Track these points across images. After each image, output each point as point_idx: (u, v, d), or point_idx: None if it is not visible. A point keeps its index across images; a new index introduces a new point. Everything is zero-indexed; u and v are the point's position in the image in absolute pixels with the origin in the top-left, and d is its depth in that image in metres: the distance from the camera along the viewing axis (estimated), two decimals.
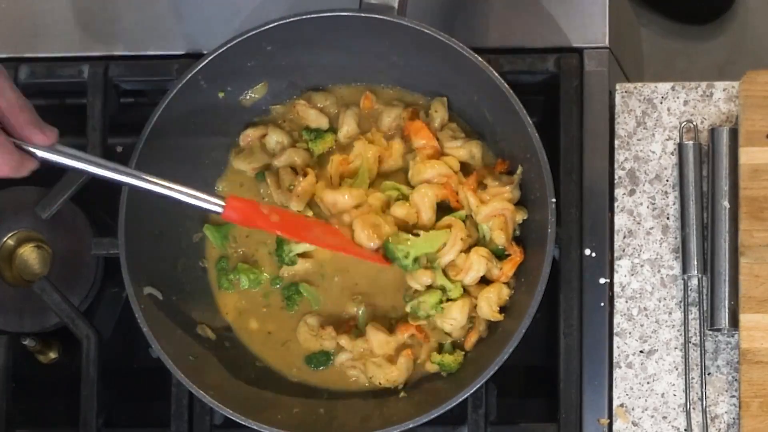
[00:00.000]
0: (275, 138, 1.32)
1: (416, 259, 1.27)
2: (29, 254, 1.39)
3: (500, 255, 1.28)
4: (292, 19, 1.24)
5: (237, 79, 1.30)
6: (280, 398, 1.29)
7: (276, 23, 1.24)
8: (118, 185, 1.19)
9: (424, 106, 1.33)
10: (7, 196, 1.38)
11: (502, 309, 1.27)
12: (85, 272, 1.36)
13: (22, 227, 1.37)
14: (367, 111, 1.33)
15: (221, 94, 1.30)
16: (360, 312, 1.30)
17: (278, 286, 1.32)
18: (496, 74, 1.23)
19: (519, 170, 1.28)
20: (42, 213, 1.33)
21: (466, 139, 1.31)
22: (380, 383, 1.28)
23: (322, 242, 1.28)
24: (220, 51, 1.25)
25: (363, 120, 1.33)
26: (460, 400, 1.21)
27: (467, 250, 1.27)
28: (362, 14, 1.24)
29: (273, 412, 1.26)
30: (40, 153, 1.13)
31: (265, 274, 1.32)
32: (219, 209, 1.20)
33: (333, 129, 1.33)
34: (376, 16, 1.24)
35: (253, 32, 1.24)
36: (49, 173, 1.34)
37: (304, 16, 1.24)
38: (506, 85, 1.23)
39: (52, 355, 1.40)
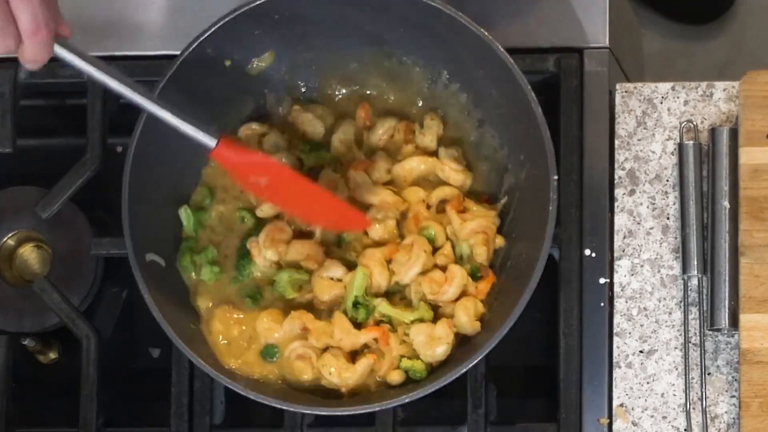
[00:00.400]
0: (274, 139, 1.31)
1: (357, 303, 1.26)
2: (29, 254, 1.39)
3: (474, 278, 1.28)
4: None
5: (244, 47, 1.29)
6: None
7: None
8: (117, 97, 1.16)
9: (418, 117, 1.32)
10: (7, 196, 1.38)
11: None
12: (85, 272, 1.36)
13: (22, 227, 1.38)
14: (362, 122, 1.32)
15: (227, 63, 1.29)
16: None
17: (241, 282, 1.30)
18: (500, 47, 1.23)
19: (504, 200, 1.29)
20: (42, 213, 1.33)
21: (465, 169, 1.30)
22: (328, 377, 1.25)
23: (310, 217, 1.26)
24: (228, 19, 1.24)
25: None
26: (455, 377, 1.20)
27: (443, 269, 1.27)
28: None
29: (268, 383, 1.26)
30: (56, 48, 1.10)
31: (227, 273, 1.30)
32: (211, 144, 1.18)
33: (327, 147, 1.32)
34: None
35: (261, 1, 1.24)
36: (49, 173, 1.35)
37: None
38: (508, 57, 1.23)
39: (52, 355, 1.40)
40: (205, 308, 1.29)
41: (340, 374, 1.25)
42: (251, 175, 1.23)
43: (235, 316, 1.29)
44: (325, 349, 1.26)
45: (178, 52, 1.38)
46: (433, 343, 1.25)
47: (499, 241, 1.28)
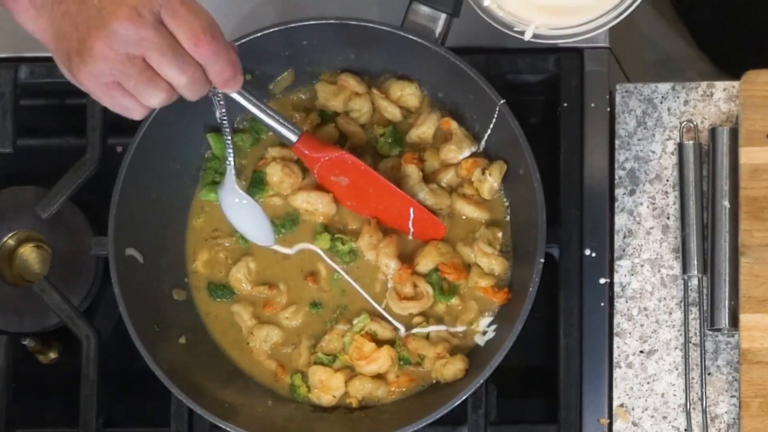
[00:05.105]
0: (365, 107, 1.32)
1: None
2: (29, 254, 1.39)
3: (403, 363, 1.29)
4: (335, 21, 1.25)
5: (267, 64, 1.30)
6: (247, 388, 1.30)
7: (318, 21, 1.25)
8: None
9: (485, 163, 1.30)
10: (7, 196, 1.38)
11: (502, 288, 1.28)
12: (85, 272, 1.36)
13: (22, 227, 1.38)
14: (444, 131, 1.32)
15: (248, 77, 1.30)
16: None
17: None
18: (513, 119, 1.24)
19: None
20: (42, 213, 1.33)
21: (498, 255, 1.29)
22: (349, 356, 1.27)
23: (388, 221, 1.28)
24: (258, 35, 1.26)
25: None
26: (453, 407, 1.21)
27: (380, 345, 1.28)
28: (402, 33, 1.25)
29: (234, 406, 1.26)
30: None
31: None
32: (293, 139, 1.21)
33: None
34: (417, 39, 1.24)
35: (294, 25, 1.25)
36: (49, 173, 1.35)
37: (346, 21, 1.25)
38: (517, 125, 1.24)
39: (52, 355, 1.40)
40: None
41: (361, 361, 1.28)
42: (331, 174, 1.26)
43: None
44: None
45: None
46: (324, 389, 1.27)
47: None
